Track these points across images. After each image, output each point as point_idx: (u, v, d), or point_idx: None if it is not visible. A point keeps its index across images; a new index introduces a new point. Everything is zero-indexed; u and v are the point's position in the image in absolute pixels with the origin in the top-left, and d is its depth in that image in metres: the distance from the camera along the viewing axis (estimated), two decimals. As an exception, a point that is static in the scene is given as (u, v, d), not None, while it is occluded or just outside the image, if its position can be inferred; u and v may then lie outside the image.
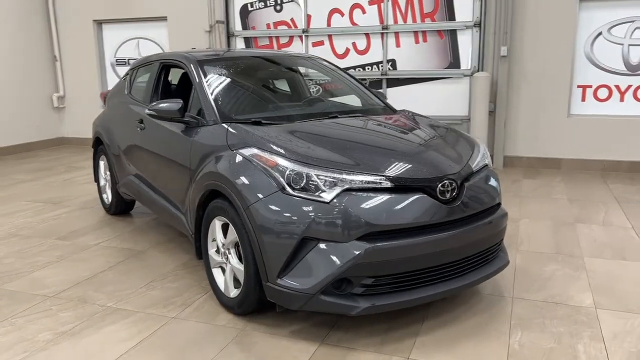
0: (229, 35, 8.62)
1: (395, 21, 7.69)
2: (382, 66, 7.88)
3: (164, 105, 3.58)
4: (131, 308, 3.31)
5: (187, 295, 3.48)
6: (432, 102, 7.68)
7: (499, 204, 3.26)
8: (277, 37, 8.38)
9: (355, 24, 7.91)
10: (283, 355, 2.76)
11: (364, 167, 2.86)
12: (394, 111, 4.14)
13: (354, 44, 7.99)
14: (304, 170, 2.80)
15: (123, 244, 4.47)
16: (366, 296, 2.76)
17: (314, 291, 2.70)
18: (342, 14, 7.94)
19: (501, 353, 2.76)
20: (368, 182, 2.80)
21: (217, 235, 3.23)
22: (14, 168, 7.87)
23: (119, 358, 2.75)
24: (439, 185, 2.88)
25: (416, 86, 7.78)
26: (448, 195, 2.90)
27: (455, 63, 7.55)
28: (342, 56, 8.07)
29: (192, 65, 3.88)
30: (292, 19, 8.23)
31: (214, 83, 3.77)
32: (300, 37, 8.23)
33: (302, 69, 4.66)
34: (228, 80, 3.90)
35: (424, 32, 7.61)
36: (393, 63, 7.84)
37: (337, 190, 2.75)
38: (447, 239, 2.85)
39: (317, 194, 2.74)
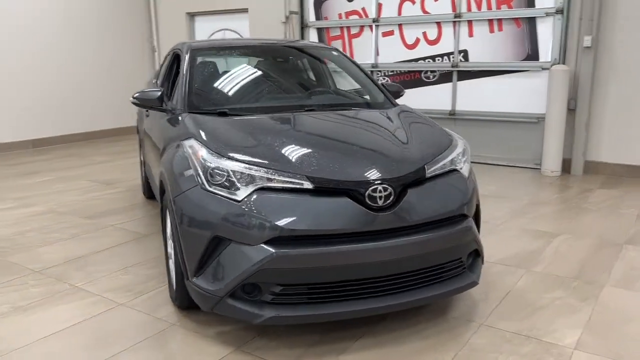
0: (303, 26, 8.58)
1: (469, 8, 7.09)
2: (453, 57, 7.33)
3: (144, 92, 3.62)
4: (93, 290, 3.41)
5: (151, 284, 3.51)
6: (505, 98, 6.99)
7: (463, 215, 2.82)
8: (348, 28, 8.16)
9: (427, 13, 7.42)
10: (192, 356, 2.66)
11: (287, 165, 2.64)
12: (392, 106, 3.79)
13: (424, 34, 7.52)
14: (224, 165, 2.66)
15: (135, 227, 4.65)
16: (274, 305, 2.55)
17: (222, 294, 2.56)
18: (413, 2, 7.49)
19: (419, 387, 2.40)
20: (286, 182, 2.57)
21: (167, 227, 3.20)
22: (98, 150, 8.59)
23: (46, 337, 2.84)
24: (369, 189, 2.56)
25: (489, 80, 7.12)
26: (381, 202, 2.57)
27: (533, 55, 6.77)
28: (412, 46, 7.64)
29: (185, 54, 3.88)
30: (363, 9, 7.95)
31: (198, 72, 3.74)
32: (370, 26, 7.93)
33: (305, 59, 4.43)
34: (215, 69, 3.84)
35: (499, 20, 6.92)
36: (465, 54, 7.25)
37: (251, 189, 2.56)
38: (374, 250, 2.53)
39: (232, 191, 2.58)
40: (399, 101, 3.99)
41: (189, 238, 2.66)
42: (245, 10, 9.23)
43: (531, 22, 6.71)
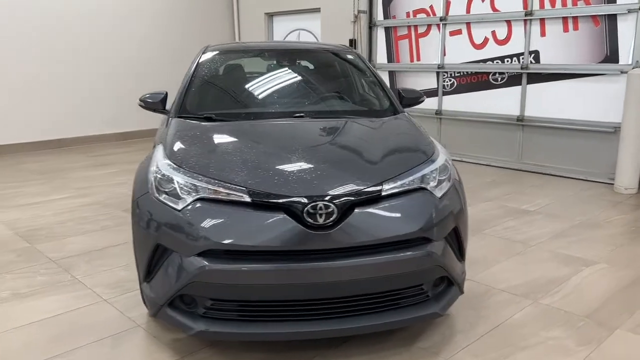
0: (371, 25, 8.38)
1: (542, 5, 6.48)
2: (522, 59, 6.76)
3: (148, 96, 3.72)
4: (87, 284, 3.59)
5: (142, 281, 3.60)
6: (578, 104, 6.32)
7: (425, 239, 2.57)
8: (415, 26, 7.84)
9: (497, 10, 6.91)
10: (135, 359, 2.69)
11: (231, 176, 2.56)
12: (394, 114, 3.56)
13: (493, 33, 7.01)
14: (171, 174, 2.65)
15: (160, 224, 4.81)
16: (206, 319, 2.50)
17: (161, 303, 2.56)
18: (483, 0, 7.01)
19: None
20: (226, 194, 2.50)
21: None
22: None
23: (23, 326, 3.03)
24: (309, 206, 2.41)
25: (561, 83, 6.47)
26: (321, 220, 2.41)
27: (612, 56, 6.04)
28: (480, 46, 7.16)
29: (196, 57, 3.93)
30: (431, 6, 7.59)
31: (200, 75, 3.77)
32: (438, 25, 7.55)
33: (316, 62, 4.28)
34: (218, 73, 3.84)
35: (574, 18, 6.25)
36: (536, 55, 6.65)
37: (191, 199, 2.53)
38: (310, 271, 2.39)
39: (175, 200, 2.57)
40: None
41: (139, 244, 2.69)
42: (318, 10, 9.22)
43: (611, 20, 5.99)
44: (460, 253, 2.89)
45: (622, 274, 3.69)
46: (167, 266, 2.55)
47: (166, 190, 2.62)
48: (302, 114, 3.39)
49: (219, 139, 2.98)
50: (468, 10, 7.20)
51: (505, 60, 6.94)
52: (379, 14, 8.26)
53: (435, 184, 2.73)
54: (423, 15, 7.71)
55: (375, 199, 2.54)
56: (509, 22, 6.83)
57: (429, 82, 7.82)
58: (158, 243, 2.56)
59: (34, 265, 3.89)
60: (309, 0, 9.27)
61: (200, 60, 3.87)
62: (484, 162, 7.30)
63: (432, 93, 7.81)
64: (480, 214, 5.06)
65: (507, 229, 4.63)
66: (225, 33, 10.77)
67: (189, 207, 2.51)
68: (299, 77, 4.01)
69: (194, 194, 2.54)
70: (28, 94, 8.34)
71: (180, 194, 2.56)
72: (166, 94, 3.71)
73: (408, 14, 7.89)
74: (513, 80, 6.90)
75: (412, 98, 3.94)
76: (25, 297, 3.40)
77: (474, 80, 7.31)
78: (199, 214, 2.48)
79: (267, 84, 3.90)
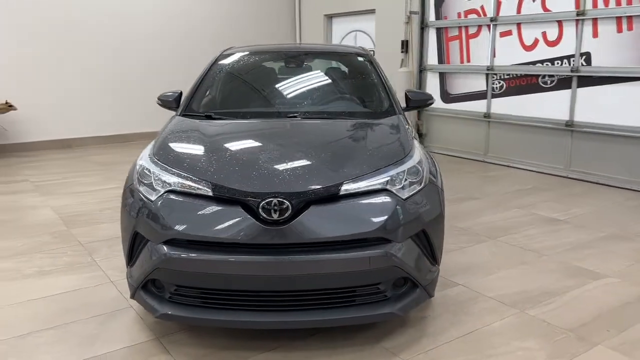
0: (422, 26, 8.30)
1: (595, 5, 6.15)
2: (573, 61, 6.44)
3: (165, 94, 3.99)
4: (103, 266, 3.91)
5: (151, 267, 3.88)
6: (632, 109, 5.93)
7: (383, 239, 2.60)
8: (466, 27, 7.68)
9: (548, 10, 6.63)
10: (116, 336, 2.92)
11: (198, 171, 2.74)
12: (389, 115, 3.58)
13: (543, 34, 6.73)
14: (150, 167, 2.87)
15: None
16: (171, 303, 2.69)
17: (136, 285, 2.79)
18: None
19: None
20: (192, 188, 2.68)
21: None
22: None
23: (35, 300, 3.38)
24: (263, 202, 2.53)
25: (613, 87, 6.10)
26: (275, 216, 2.52)
27: (668, 58, 5.63)
28: (530, 48, 6.89)
29: (213, 59, 4.16)
30: (482, 7, 7.41)
31: (212, 76, 3.99)
32: (488, 26, 7.35)
33: (321, 64, 4.35)
34: (227, 75, 4.04)
35: (629, 18, 5.87)
36: (587, 57, 6.31)
37: (162, 191, 2.73)
38: (263, 264, 2.51)
39: (150, 191, 2.78)
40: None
41: (123, 231, 2.93)
42: (373, 11, 9.25)
43: (668, 19, 5.58)
44: (433, 256, 2.88)
45: (631, 290, 3.48)
46: (142, 252, 2.76)
47: (145, 182, 2.84)
48: (295, 115, 3.50)
49: (204, 136, 3.17)
50: (519, 11, 6.96)
51: (555, 62, 6.64)
52: (431, 15, 8.17)
53: (402, 186, 2.75)
54: (474, 15, 7.54)
55: (333, 197, 2.61)
56: (560, 23, 6.53)
57: (478, 84, 7.64)
58: (136, 231, 2.78)
59: (63, 247, 4.29)
60: (365, 1, 9.32)
61: (213, 62, 4.08)
62: (531, 167, 7.02)
63: (481, 95, 7.62)
64: (504, 221, 4.91)
65: (526, 237, 4.48)
66: (287, 35, 11.05)
67: (160, 198, 2.71)
68: (302, 79, 4.12)
69: (166, 186, 2.73)
70: (102, 92, 9.04)
71: (154, 186, 2.77)
72: (180, 92, 3.95)
73: (459, 15, 7.74)
74: (563, 83, 6.59)
75: (420, 100, 3.93)
76: (46, 274, 3.78)
77: (523, 83, 7.05)
78: (167, 206, 2.67)
79: (270, 85, 4.05)
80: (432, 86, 8.32)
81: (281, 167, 2.75)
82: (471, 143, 7.86)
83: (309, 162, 2.81)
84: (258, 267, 2.52)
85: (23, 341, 2.88)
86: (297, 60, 4.23)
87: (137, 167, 2.96)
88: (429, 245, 2.84)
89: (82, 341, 2.87)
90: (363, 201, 2.65)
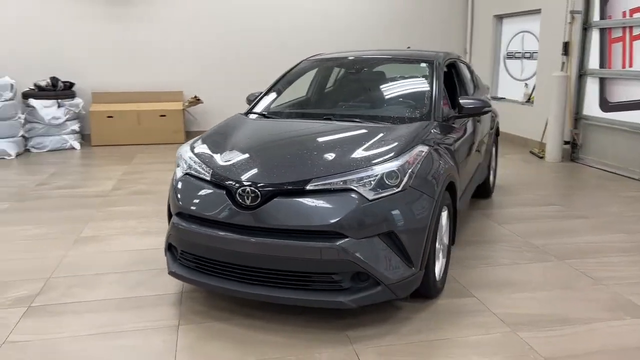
0: (585, 27, 7.56)
1: None
2: None
3: (252, 94, 4.64)
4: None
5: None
6: None
7: (340, 234, 2.84)
8: (630, 28, 6.80)
9: None
10: (152, 287, 3.66)
11: (209, 160, 3.30)
12: (416, 121, 3.67)
13: None
14: (184, 154, 3.52)
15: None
16: (179, 264, 3.32)
17: (165, 245, 3.48)
18: None
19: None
20: (197, 172, 3.27)
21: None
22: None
23: (125, 250, 4.33)
24: (240, 189, 2.99)
25: None
26: (248, 202, 2.97)
27: None
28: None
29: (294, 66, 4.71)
30: (649, 4, 6.51)
31: (283, 81, 4.52)
32: (653, 26, 6.43)
33: (379, 71, 4.50)
34: (297, 78, 4.52)
35: None
36: None
37: (182, 173, 3.37)
38: (234, 241, 2.98)
39: (179, 173, 3.45)
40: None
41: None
42: (539, 12, 8.69)
43: None
44: (407, 258, 2.99)
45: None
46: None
47: (178, 164, 3.51)
48: (329, 117, 3.84)
49: (235, 131, 3.72)
50: (690, 8, 5.97)
51: None
52: (596, 14, 7.40)
53: (371, 187, 2.93)
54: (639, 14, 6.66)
55: (300, 191, 2.94)
56: None
57: (640, 92, 6.73)
58: (168, 203, 3.48)
59: (110, 220, 5.15)
60: (532, 0, 8.81)
61: (290, 69, 4.60)
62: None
63: (642, 105, 6.71)
64: (595, 244, 4.45)
65: (600, 263, 4.05)
66: (456, 37, 10.94)
67: (180, 179, 3.35)
68: (355, 85, 4.37)
69: (185, 170, 3.37)
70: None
71: (182, 168, 3.42)
72: (261, 93, 4.57)
73: (624, 14, 6.90)
74: None
75: (472, 108, 3.89)
76: (147, 234, 4.74)
77: (690, 91, 6.03)
78: (182, 185, 3.31)
79: (323, 89, 4.40)
80: (591, 92, 7.55)
81: (265, 161, 3.18)
82: (630, 159, 6.95)
83: (290, 159, 3.17)
84: (231, 243, 2.99)
85: (93, 277, 3.82)
86: (357, 67, 4.51)
87: (181, 152, 3.65)
88: (401, 247, 2.96)
89: (131, 285, 3.69)
90: (326, 198, 2.92)
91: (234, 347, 2.92)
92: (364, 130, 3.53)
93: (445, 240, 3.60)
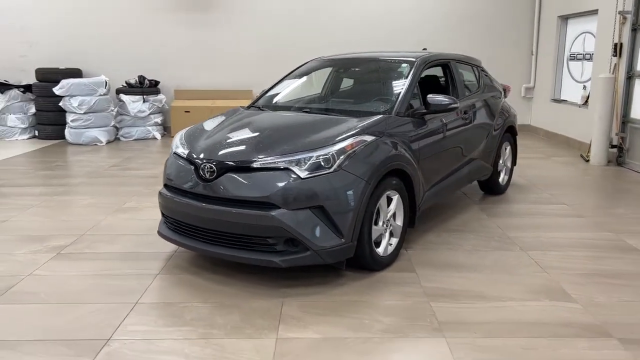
0: (634, 27, 7.36)
1: None
2: None
3: (263, 91, 5.35)
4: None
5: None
6: None
7: (273, 205, 3.43)
8: (674, 28, 6.58)
9: None
10: (152, 246, 4.48)
11: (190, 140, 4.04)
12: (375, 116, 4.13)
13: None
14: (178, 136, 4.29)
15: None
16: (165, 227, 4.09)
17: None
18: None
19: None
20: (181, 152, 4.02)
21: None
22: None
23: (141, 219, 5.20)
24: (202, 165, 3.69)
25: None
26: (207, 175, 3.66)
27: None
28: None
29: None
30: (692, 4, 6.27)
31: (286, 78, 5.17)
32: (695, 27, 6.20)
33: (366, 71, 4.94)
34: (295, 77, 5.13)
35: None
36: None
37: (171, 151, 4.15)
38: (197, 207, 3.68)
39: (170, 152, 4.24)
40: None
41: (166, 177, 4.45)
42: (596, 12, 8.50)
43: None
44: (337, 230, 3.51)
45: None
46: (164, 191, 4.24)
47: (172, 145, 4.29)
48: (307, 110, 4.43)
49: (225, 119, 4.41)
50: None
51: None
52: (646, 15, 7.20)
53: (306, 167, 3.49)
54: (683, 14, 6.42)
55: (245, 169, 3.58)
56: None
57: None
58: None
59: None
60: (591, 1, 8.63)
61: (295, 68, 5.23)
62: None
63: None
64: (572, 239, 4.59)
65: (562, 257, 4.22)
66: (523, 38, 10.85)
67: (170, 156, 4.13)
68: (342, 83, 4.90)
69: (174, 149, 4.14)
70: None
71: (172, 148, 4.20)
72: (265, 90, 5.24)
73: (670, 14, 6.67)
74: None
75: (438, 105, 4.26)
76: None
77: None
78: (169, 162, 4.08)
79: (312, 86, 4.95)
80: (638, 95, 7.34)
81: (227, 143, 3.85)
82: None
83: (247, 141, 3.83)
84: (196, 209, 3.68)
85: (115, 237, 4.72)
86: (348, 67, 5.03)
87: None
88: (330, 219, 3.49)
89: (140, 244, 4.54)
90: (267, 175, 3.53)
91: (189, 292, 3.62)
92: (325, 122, 4.07)
93: (399, 222, 4.02)
